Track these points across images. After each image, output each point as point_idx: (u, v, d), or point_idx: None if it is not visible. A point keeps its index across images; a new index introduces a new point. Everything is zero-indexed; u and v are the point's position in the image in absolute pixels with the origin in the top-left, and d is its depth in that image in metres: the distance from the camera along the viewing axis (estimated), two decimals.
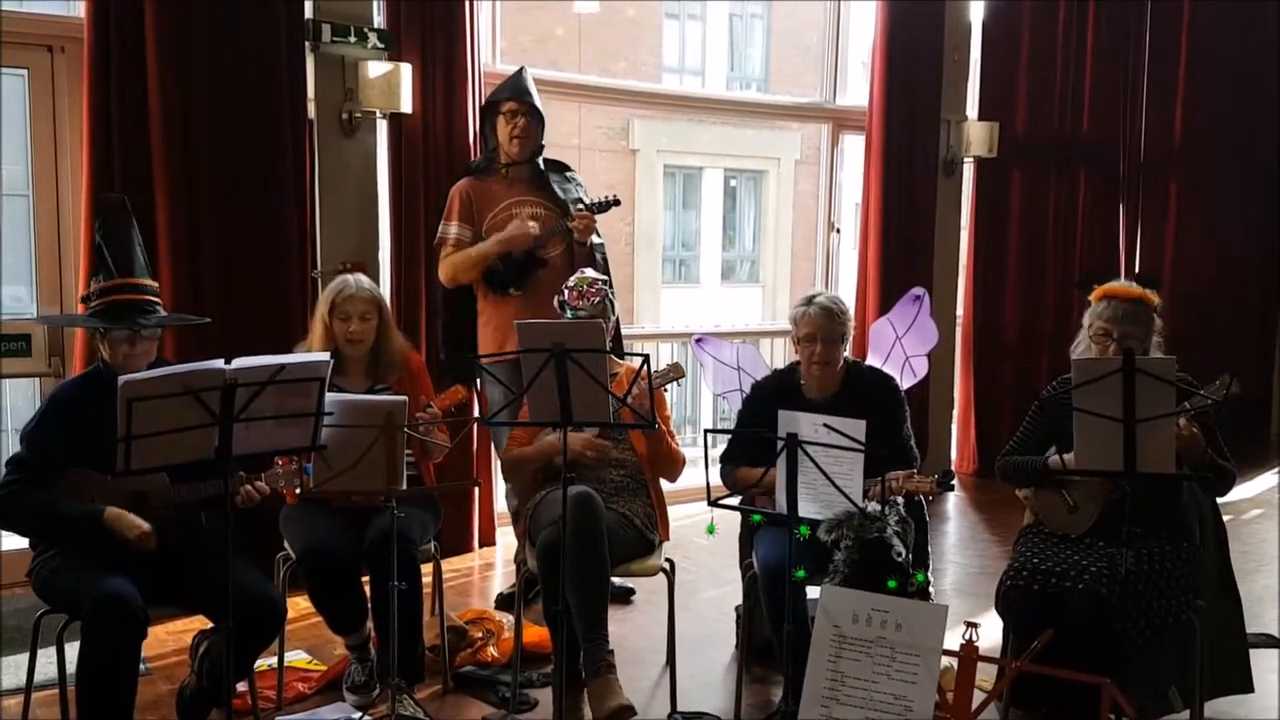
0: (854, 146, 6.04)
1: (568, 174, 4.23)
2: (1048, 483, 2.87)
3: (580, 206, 4.02)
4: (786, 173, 15.37)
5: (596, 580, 2.94)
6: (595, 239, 4.07)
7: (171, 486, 2.66)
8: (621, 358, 3.56)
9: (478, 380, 4.24)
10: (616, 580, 4.00)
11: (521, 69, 4.13)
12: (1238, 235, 7.03)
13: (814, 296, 3.13)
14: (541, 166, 4.13)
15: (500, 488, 4.78)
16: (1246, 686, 2.99)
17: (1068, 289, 6.13)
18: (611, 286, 3.52)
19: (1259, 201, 7.10)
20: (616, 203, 4.09)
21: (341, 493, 2.86)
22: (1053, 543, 2.86)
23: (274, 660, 3.15)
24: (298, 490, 2.82)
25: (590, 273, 3.44)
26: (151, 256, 3.80)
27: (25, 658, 2.78)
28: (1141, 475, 2.44)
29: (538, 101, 4.03)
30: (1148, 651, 2.62)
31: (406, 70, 4.23)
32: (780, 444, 2.39)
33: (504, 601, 4.01)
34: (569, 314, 3.32)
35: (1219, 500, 2.95)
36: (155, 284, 2.80)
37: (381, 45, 4.26)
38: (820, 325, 3.06)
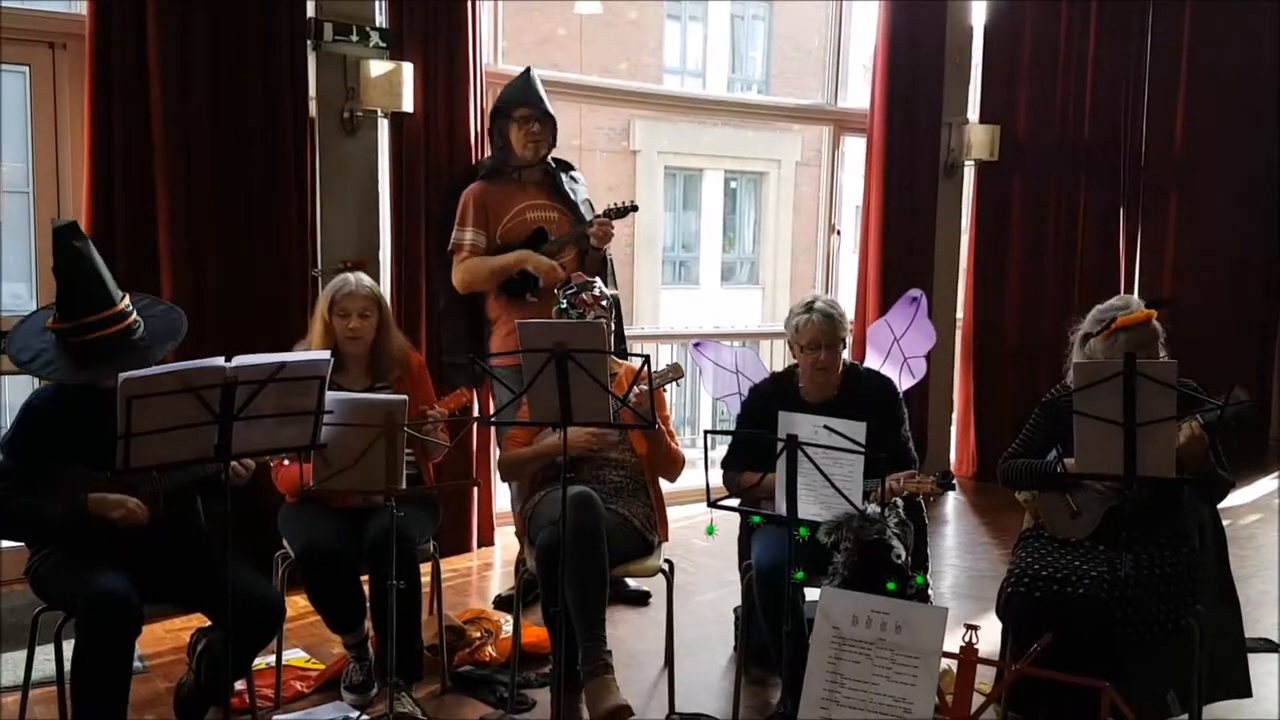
0: (855, 149, 6.04)
1: (573, 174, 4.24)
2: (1055, 485, 2.87)
3: (599, 214, 4.03)
4: (787, 175, 15.38)
5: (595, 581, 2.94)
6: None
7: (156, 474, 2.59)
8: (624, 358, 3.57)
9: (484, 381, 4.24)
10: (631, 583, 4.01)
11: (528, 70, 4.13)
12: (1238, 241, 7.01)
13: (812, 303, 3.11)
14: (552, 167, 4.14)
15: (499, 488, 4.78)
16: (1245, 691, 2.99)
17: (1068, 292, 6.13)
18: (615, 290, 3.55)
19: (1260, 208, 7.09)
20: (634, 208, 4.08)
21: (340, 491, 2.85)
22: (1053, 547, 2.85)
23: (272, 659, 3.14)
24: (285, 462, 2.79)
25: (595, 280, 3.45)
26: (152, 254, 3.83)
27: (23, 655, 2.78)
28: (1141, 479, 2.44)
29: (549, 106, 4.05)
30: (1147, 656, 2.62)
31: (408, 69, 4.23)
32: (780, 445, 2.39)
33: (502, 603, 4.00)
34: (574, 315, 3.33)
35: (1218, 505, 2.95)
36: (118, 306, 2.63)
37: (383, 44, 4.26)
38: (824, 332, 3.06)
